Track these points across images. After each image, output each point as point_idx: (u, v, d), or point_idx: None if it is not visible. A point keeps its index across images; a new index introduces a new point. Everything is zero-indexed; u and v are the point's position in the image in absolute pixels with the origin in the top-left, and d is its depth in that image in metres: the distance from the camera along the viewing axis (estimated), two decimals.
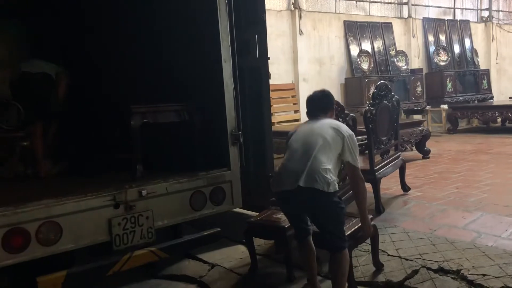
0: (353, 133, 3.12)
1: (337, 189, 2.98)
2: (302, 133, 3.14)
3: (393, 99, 4.97)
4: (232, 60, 3.91)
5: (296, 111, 9.05)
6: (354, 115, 4.26)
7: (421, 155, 7.52)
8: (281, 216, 3.75)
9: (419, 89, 10.34)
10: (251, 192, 4.35)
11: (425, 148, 7.48)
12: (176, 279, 3.92)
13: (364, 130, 4.63)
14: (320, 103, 3.28)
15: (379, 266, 3.56)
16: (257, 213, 4.01)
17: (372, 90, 5.04)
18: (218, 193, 3.75)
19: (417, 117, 10.26)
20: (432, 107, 11.08)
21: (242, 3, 4.28)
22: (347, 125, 4.23)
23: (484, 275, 3.23)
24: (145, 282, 3.89)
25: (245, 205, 4.38)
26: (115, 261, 3.16)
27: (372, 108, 4.64)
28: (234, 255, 4.16)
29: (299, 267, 3.72)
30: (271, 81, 8.75)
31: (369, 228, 3.26)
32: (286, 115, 9.05)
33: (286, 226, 3.54)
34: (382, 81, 5.02)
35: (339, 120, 4.13)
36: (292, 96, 9.24)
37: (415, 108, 10.35)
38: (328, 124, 3.11)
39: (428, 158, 7.47)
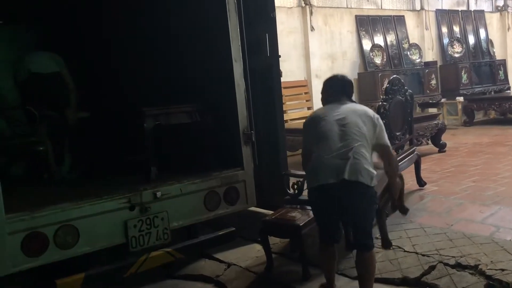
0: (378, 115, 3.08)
1: (374, 178, 2.89)
2: (331, 120, 2.91)
3: (407, 93, 4.92)
4: (243, 59, 3.91)
5: (309, 108, 9.02)
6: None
7: (437, 149, 7.43)
8: (296, 214, 3.75)
9: (433, 82, 10.21)
10: (265, 191, 4.36)
11: (441, 142, 7.39)
12: (193, 279, 3.94)
13: None
14: (344, 86, 3.13)
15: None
16: (272, 212, 4.01)
17: (386, 84, 4.92)
18: (232, 193, 3.77)
19: (432, 110, 10.15)
20: (447, 100, 10.93)
21: (251, 2, 4.28)
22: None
23: (502, 269, 3.18)
24: (162, 282, 3.92)
25: (259, 204, 4.40)
26: (131, 263, 3.20)
27: (385, 103, 4.60)
28: (250, 254, 4.17)
29: (314, 265, 3.72)
30: (283, 78, 8.77)
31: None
32: (299, 112, 9.02)
33: (301, 225, 3.54)
34: (394, 76, 4.98)
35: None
36: (305, 93, 9.20)
37: (430, 101, 10.23)
38: (358, 109, 3.00)
39: (444, 151, 7.38)
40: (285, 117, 8.89)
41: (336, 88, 3.12)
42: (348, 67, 9.92)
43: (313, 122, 3.02)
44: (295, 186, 4.11)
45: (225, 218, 3.94)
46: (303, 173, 4.20)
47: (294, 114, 8.93)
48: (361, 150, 2.83)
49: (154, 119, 3.61)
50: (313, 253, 3.83)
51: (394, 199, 3.46)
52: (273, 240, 4.33)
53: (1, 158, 3.86)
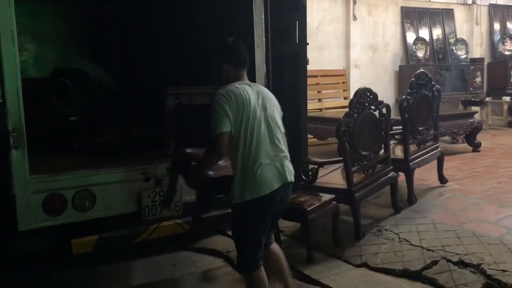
0: None
1: None
2: (257, 108, 2.56)
3: (433, 88, 4.86)
4: (266, 45, 4.01)
5: (345, 98, 8.99)
6: (387, 103, 4.25)
7: (471, 148, 7.26)
8: (306, 199, 3.85)
9: (478, 79, 9.88)
10: None
11: (476, 141, 7.21)
12: (205, 252, 4.15)
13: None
14: (245, 57, 2.70)
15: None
16: None
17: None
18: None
19: (476, 108, 9.85)
20: (493, 99, 10.56)
21: None
22: (380, 114, 4.25)
23: (504, 270, 3.19)
24: (177, 253, 4.15)
25: None
26: (143, 230, 3.43)
27: (409, 97, 4.58)
28: None
29: (320, 248, 3.84)
30: (320, 67, 8.82)
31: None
32: (335, 101, 9.01)
33: (308, 209, 3.65)
34: (421, 70, 4.90)
35: (371, 109, 4.15)
36: (343, 82, 9.17)
37: (473, 99, 9.92)
38: (269, 93, 2.73)
39: (478, 151, 7.20)
40: (320, 105, 8.93)
41: (245, 57, 2.69)
42: (389, 59, 9.79)
43: (236, 103, 2.51)
44: (310, 173, 4.21)
45: None
46: (319, 160, 4.33)
47: (330, 103, 8.93)
48: (283, 143, 2.68)
49: (174, 97, 3.78)
50: (320, 239, 3.96)
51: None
52: (287, 224, 4.47)
53: (36, 126, 4.16)
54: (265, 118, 2.59)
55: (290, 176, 2.67)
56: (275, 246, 2.95)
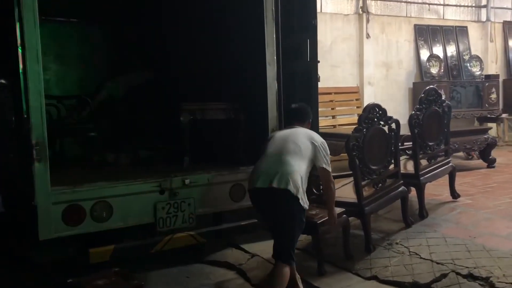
0: (324, 141, 3.43)
1: (306, 201, 3.26)
2: (278, 138, 3.40)
3: (444, 104, 4.92)
4: (278, 63, 4.16)
5: (359, 115, 9.05)
6: (397, 119, 4.32)
7: (486, 164, 7.25)
8: (316, 212, 3.93)
9: (493, 95, 9.85)
10: None
11: (490, 157, 7.19)
12: (218, 265, 4.23)
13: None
14: (296, 113, 3.62)
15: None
16: None
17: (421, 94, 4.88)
18: None
19: (492, 125, 9.81)
20: (509, 115, 10.51)
21: (293, 10, 4.51)
22: (390, 129, 4.33)
23: None
24: (191, 265, 4.24)
25: None
26: (157, 241, 3.54)
27: (418, 112, 4.65)
28: None
29: (331, 261, 3.90)
30: (334, 84, 8.92)
31: (334, 221, 3.61)
32: (348, 117, 9.08)
33: (318, 222, 3.72)
34: (430, 87, 4.97)
35: (381, 125, 4.24)
36: (356, 99, 9.26)
37: (489, 116, 9.89)
38: (302, 132, 3.41)
39: (493, 167, 7.17)
40: (334, 122, 9.02)
41: (290, 116, 3.71)
42: (403, 76, 9.86)
43: (267, 142, 3.50)
44: (321, 187, 4.29)
45: (254, 212, 4.20)
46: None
47: (343, 120, 9.00)
48: (292, 163, 3.20)
49: (190, 113, 3.94)
50: (331, 252, 4.02)
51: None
52: (300, 237, 4.54)
53: (57, 140, 4.36)
54: (283, 141, 3.36)
55: (280, 184, 3.11)
56: (281, 268, 3.19)
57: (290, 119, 3.68)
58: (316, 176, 4.51)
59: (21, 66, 3.11)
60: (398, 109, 9.19)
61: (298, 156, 3.24)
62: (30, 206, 3.18)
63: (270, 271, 3.28)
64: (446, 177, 5.18)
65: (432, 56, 9.75)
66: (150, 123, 4.76)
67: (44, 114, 3.17)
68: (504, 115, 10.33)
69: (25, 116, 3.15)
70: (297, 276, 3.35)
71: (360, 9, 9.30)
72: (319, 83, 4.77)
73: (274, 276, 3.17)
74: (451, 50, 10.26)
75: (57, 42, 5.81)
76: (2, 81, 3.45)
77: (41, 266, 3.57)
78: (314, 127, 4.72)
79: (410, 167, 4.93)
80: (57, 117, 4.53)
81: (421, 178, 4.64)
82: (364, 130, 3.98)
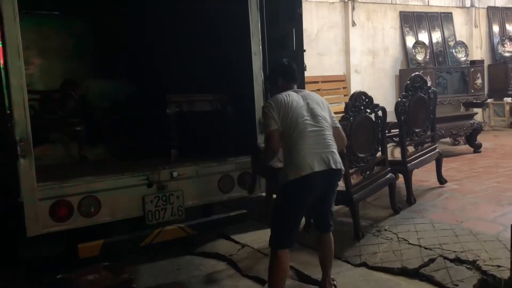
0: None
1: None
2: (301, 110, 3.03)
3: (429, 90, 4.95)
4: (263, 53, 4.14)
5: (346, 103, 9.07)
6: (383, 106, 4.33)
7: (472, 149, 7.32)
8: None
9: (479, 81, 9.92)
10: None
11: (476, 142, 7.27)
12: (208, 256, 4.24)
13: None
14: (295, 72, 3.29)
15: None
16: None
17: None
18: (246, 178, 4.02)
19: (477, 110, 9.90)
20: (494, 100, 10.61)
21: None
22: (376, 117, 4.34)
23: (499, 266, 3.25)
24: (181, 257, 4.25)
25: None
26: (147, 234, 3.53)
27: (404, 100, 4.68)
28: (265, 238, 4.36)
29: None
30: (321, 72, 8.91)
31: None
32: (336, 106, 9.07)
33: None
34: (416, 73, 4.99)
35: (367, 112, 4.25)
36: (343, 88, 9.27)
37: (474, 101, 9.97)
38: (311, 97, 3.15)
39: (479, 152, 7.26)
40: None
41: (295, 72, 3.29)
42: (389, 63, 9.89)
43: (284, 106, 3.03)
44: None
45: (248, 202, 4.21)
46: None
47: (331, 108, 8.98)
48: (332, 138, 3.09)
49: (176, 105, 3.91)
50: None
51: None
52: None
53: (41, 135, 4.31)
54: (308, 114, 3.04)
55: (336, 164, 3.02)
56: (330, 235, 3.30)
57: (288, 78, 3.22)
58: None
59: (1, 61, 3.05)
60: (386, 96, 9.24)
61: (330, 128, 3.09)
62: (16, 203, 3.14)
63: (322, 244, 3.31)
64: (433, 163, 5.24)
65: (418, 43, 9.79)
66: (136, 116, 4.72)
67: (27, 109, 3.13)
68: (489, 100, 10.43)
69: (8, 111, 3.11)
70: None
71: None
72: (305, 72, 4.79)
73: (330, 245, 3.29)
74: (436, 36, 10.30)
75: (40, 35, 5.73)
76: None
77: (30, 263, 3.55)
78: None
79: (397, 154, 4.97)
80: (42, 112, 4.47)
81: (408, 164, 4.68)
82: (351, 118, 3.97)
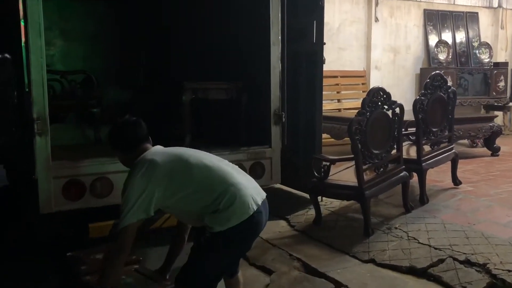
0: None
1: None
2: (197, 159, 2.57)
3: (449, 90, 4.87)
4: (282, 44, 4.12)
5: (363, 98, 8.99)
6: (401, 103, 4.28)
7: (490, 152, 7.21)
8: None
9: (501, 83, 9.75)
10: (299, 172, 4.57)
11: (495, 145, 7.14)
12: None
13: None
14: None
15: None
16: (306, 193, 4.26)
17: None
18: (258, 167, 4.02)
19: (498, 113, 9.73)
20: None
21: None
22: (393, 114, 4.30)
23: (509, 270, 3.21)
24: (188, 244, 4.26)
25: (293, 185, 4.62)
26: (156, 219, 3.55)
27: (423, 98, 4.62)
28: (274, 229, 4.42)
29: (329, 244, 3.92)
30: (340, 67, 8.86)
31: None
32: (354, 102, 9.02)
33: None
34: (436, 72, 4.92)
35: (385, 109, 4.21)
36: (362, 83, 9.19)
37: (496, 104, 9.80)
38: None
39: (497, 155, 7.14)
40: (339, 106, 8.97)
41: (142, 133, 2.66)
42: (410, 61, 9.76)
43: (176, 166, 2.51)
44: (322, 170, 4.29)
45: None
46: (330, 157, 4.40)
47: (349, 104, 8.96)
48: None
49: (192, 92, 3.92)
50: (329, 234, 4.03)
51: None
52: (298, 219, 4.57)
53: (60, 115, 4.38)
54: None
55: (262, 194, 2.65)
56: (240, 276, 2.87)
57: (143, 138, 2.62)
58: (317, 158, 4.52)
59: (23, 39, 3.09)
60: (405, 94, 9.12)
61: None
62: (31, 180, 3.20)
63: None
64: (449, 163, 5.17)
65: (441, 42, 9.63)
66: (152, 101, 4.74)
67: (45, 88, 3.17)
68: (511, 104, 10.23)
69: (27, 90, 3.15)
70: None
71: None
72: (324, 65, 4.75)
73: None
74: (460, 36, 10.12)
75: (63, 17, 5.79)
76: (6, 55, 3.44)
77: (42, 240, 3.61)
78: (318, 110, 4.72)
79: (412, 152, 4.91)
80: (61, 92, 4.53)
81: (423, 164, 4.63)
82: (368, 113, 3.93)
